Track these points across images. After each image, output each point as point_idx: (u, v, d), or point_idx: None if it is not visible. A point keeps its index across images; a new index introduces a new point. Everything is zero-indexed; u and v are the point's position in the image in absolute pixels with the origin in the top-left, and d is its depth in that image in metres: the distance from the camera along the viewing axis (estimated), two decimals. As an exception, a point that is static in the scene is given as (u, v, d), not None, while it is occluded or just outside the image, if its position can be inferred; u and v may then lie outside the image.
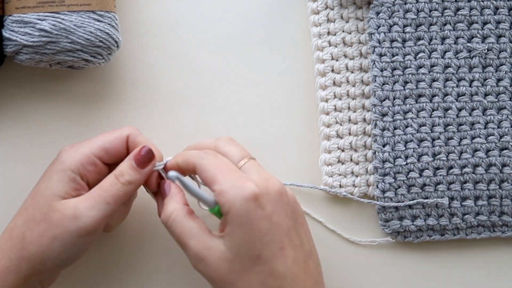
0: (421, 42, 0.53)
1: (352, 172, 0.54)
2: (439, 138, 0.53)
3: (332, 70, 0.54)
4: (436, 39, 0.53)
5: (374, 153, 0.53)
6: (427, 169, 0.53)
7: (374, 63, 0.53)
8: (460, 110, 0.53)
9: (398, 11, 0.53)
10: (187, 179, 0.44)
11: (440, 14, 0.53)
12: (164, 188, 0.47)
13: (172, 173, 0.43)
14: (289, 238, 0.42)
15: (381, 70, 0.53)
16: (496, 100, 0.53)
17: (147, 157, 0.46)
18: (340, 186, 0.54)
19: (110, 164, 0.48)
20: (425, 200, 0.52)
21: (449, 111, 0.53)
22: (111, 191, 0.45)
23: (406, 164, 0.53)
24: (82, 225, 0.44)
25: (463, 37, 0.53)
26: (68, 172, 0.45)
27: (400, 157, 0.53)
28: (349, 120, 0.54)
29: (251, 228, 0.41)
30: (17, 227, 0.45)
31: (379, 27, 0.53)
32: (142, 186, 0.48)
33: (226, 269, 0.42)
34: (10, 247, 0.45)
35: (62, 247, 0.44)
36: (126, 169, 0.46)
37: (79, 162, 0.46)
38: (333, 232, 0.54)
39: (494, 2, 0.53)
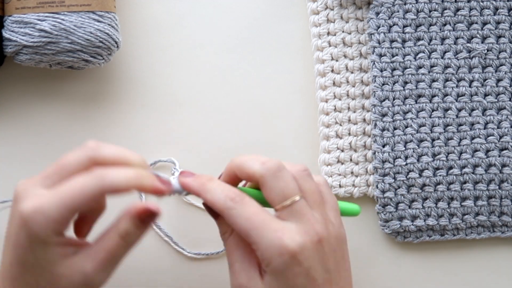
0: (420, 42, 0.53)
1: (352, 172, 0.54)
2: (438, 138, 0.53)
3: (332, 71, 0.54)
4: (435, 39, 0.53)
5: (374, 153, 0.53)
6: (427, 169, 0.53)
7: (374, 63, 0.53)
8: (459, 110, 0.53)
9: (398, 12, 0.53)
10: None
11: (440, 15, 0.53)
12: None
13: (177, 187, 0.44)
14: None
15: (381, 71, 0.53)
16: (496, 100, 0.53)
17: (155, 216, 0.41)
18: (340, 186, 0.54)
19: None
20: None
21: (449, 112, 0.53)
22: (118, 252, 0.41)
23: (406, 164, 0.53)
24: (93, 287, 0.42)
25: (462, 38, 0.53)
26: (52, 239, 0.40)
27: (399, 157, 0.53)
28: (349, 120, 0.54)
29: (287, 284, 0.41)
30: None
31: (379, 27, 0.53)
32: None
33: None
34: None
35: None
36: (132, 229, 0.41)
37: (56, 229, 0.40)
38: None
39: (494, 2, 0.53)
